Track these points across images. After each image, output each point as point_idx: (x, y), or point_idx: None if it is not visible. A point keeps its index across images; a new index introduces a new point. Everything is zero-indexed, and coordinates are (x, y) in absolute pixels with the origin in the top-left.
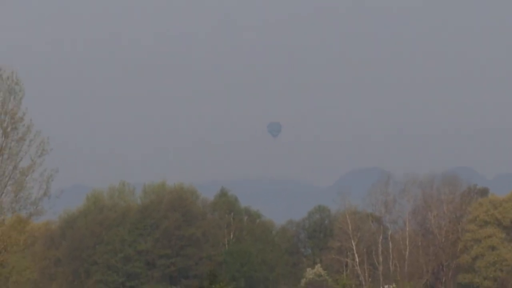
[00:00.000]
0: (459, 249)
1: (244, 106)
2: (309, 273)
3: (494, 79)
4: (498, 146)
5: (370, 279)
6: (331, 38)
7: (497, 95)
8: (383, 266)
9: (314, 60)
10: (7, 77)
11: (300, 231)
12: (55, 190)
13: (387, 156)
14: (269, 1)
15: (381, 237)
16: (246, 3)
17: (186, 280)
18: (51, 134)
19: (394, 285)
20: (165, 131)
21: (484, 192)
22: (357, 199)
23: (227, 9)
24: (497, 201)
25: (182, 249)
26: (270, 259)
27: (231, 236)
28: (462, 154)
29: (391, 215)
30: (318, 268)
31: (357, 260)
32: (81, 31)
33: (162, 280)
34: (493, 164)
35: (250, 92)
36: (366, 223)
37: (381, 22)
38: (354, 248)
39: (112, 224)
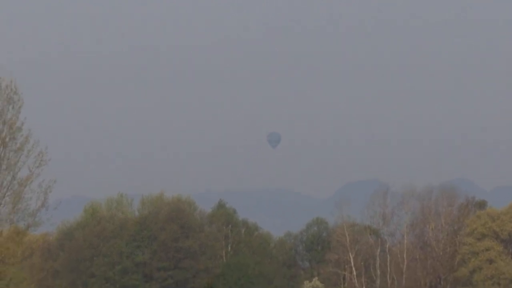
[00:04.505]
0: (457, 262)
1: (243, 116)
2: (307, 286)
3: (493, 90)
4: (497, 158)
5: None
6: (332, 48)
7: (496, 107)
8: (380, 279)
9: (314, 70)
10: (5, 86)
11: (297, 243)
12: (53, 201)
13: (386, 168)
14: (271, 8)
15: (378, 250)
16: (245, 10)
17: None
18: (50, 144)
19: None
20: (162, 142)
21: (482, 204)
22: (355, 211)
23: (226, 19)
24: (495, 214)
25: (180, 262)
26: (268, 271)
27: (229, 248)
28: (460, 166)
29: (389, 227)
30: (315, 281)
31: (354, 273)
32: (83, 40)
33: None
34: (491, 176)
35: (248, 102)
36: (364, 235)
37: (384, 33)
38: (351, 261)
39: (110, 236)
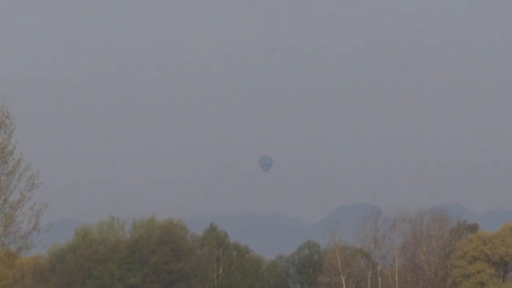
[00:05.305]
0: (448, 285)
1: (234, 140)
2: None
3: (484, 115)
4: (488, 183)
5: None
6: (317, 73)
7: (488, 132)
8: None
9: (303, 94)
10: None
11: (289, 266)
12: (44, 224)
13: (377, 192)
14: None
15: (370, 273)
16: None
17: None
18: (41, 167)
19: None
20: (155, 165)
21: (473, 228)
22: (346, 235)
23: (221, 45)
24: (487, 237)
25: (171, 284)
26: None
27: (220, 271)
28: (452, 191)
29: (380, 250)
30: None
31: None
32: (74, 62)
33: None
34: (482, 200)
35: (240, 126)
36: (355, 258)
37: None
38: (343, 283)
39: (101, 258)
